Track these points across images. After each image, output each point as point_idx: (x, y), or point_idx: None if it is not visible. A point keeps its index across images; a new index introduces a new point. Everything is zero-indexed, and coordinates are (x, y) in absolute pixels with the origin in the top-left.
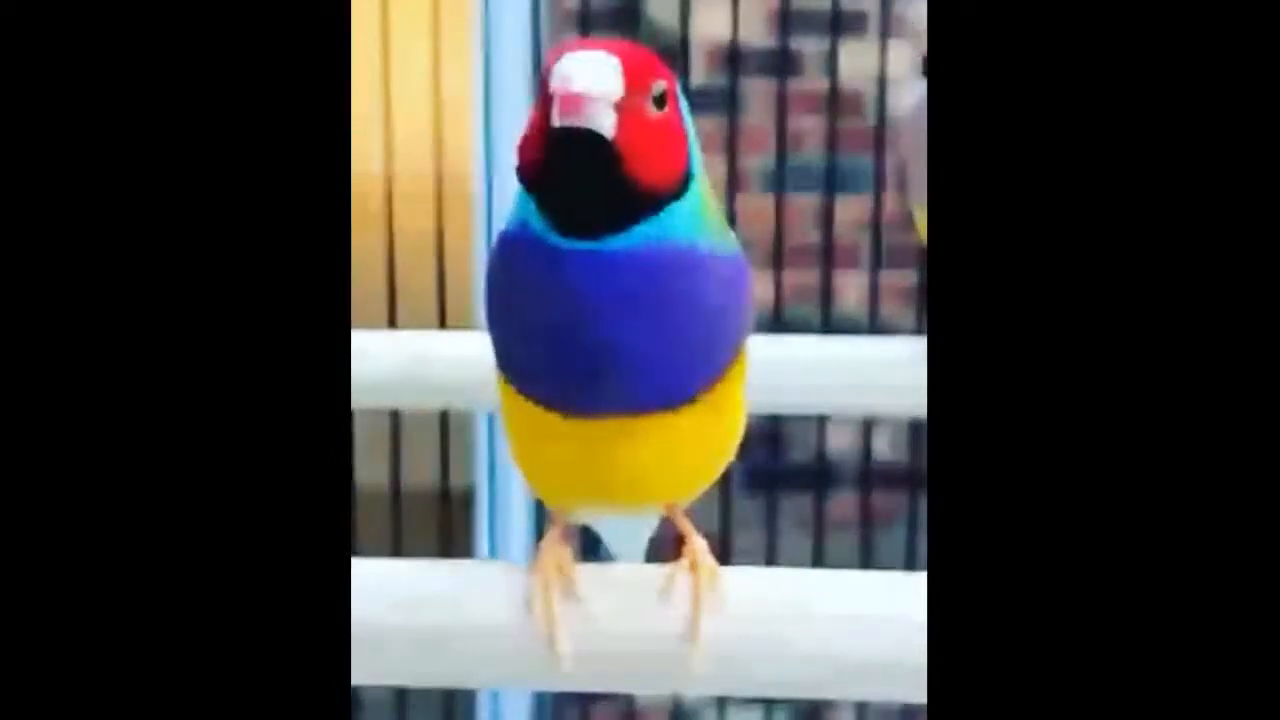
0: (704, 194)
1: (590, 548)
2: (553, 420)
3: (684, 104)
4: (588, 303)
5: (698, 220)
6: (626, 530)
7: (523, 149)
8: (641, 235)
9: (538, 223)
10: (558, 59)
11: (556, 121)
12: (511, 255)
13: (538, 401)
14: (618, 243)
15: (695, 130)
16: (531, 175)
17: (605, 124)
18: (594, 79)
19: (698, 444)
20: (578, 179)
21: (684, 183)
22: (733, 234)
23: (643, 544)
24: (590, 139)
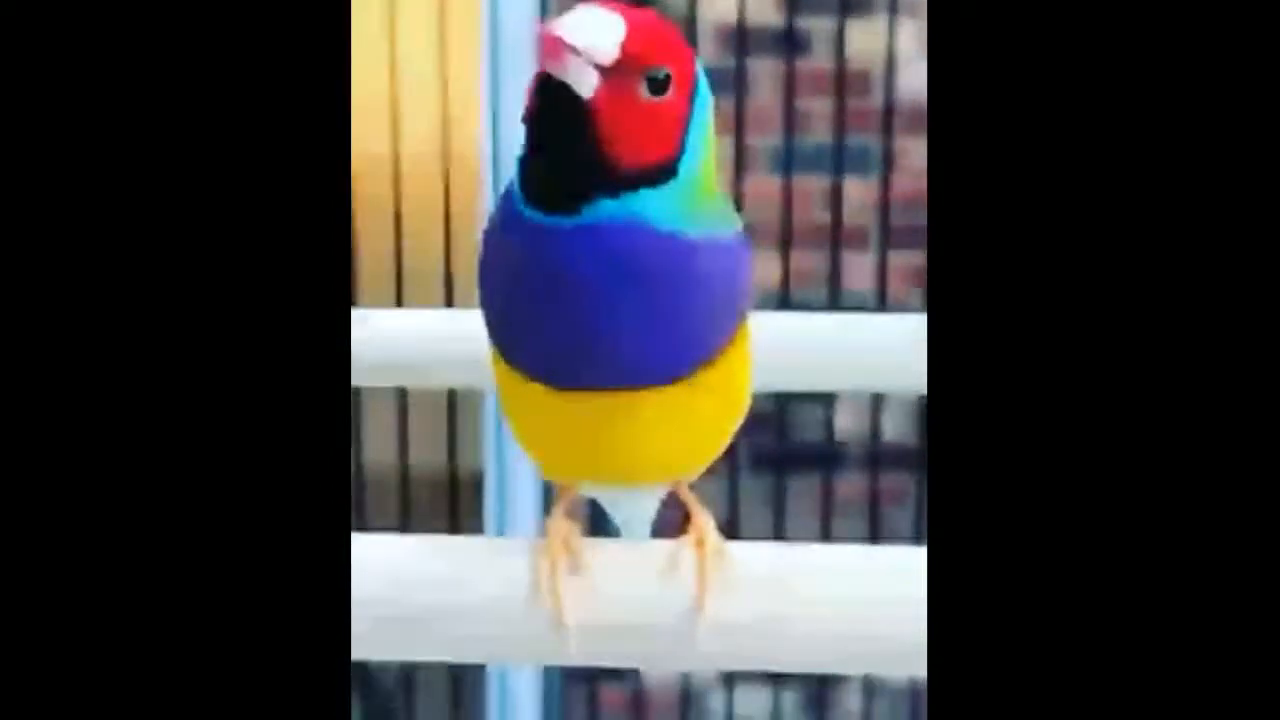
0: (697, 182)
1: (598, 523)
2: (543, 394)
3: (702, 91)
4: (557, 276)
5: (682, 208)
6: (631, 506)
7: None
8: (610, 212)
9: (518, 193)
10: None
11: (537, 66)
12: (496, 229)
13: (526, 375)
14: (586, 218)
15: (709, 117)
16: (525, 118)
17: (584, 82)
18: (586, 34)
19: (693, 422)
20: (546, 131)
21: (668, 171)
22: (736, 217)
23: (649, 519)
24: (565, 94)
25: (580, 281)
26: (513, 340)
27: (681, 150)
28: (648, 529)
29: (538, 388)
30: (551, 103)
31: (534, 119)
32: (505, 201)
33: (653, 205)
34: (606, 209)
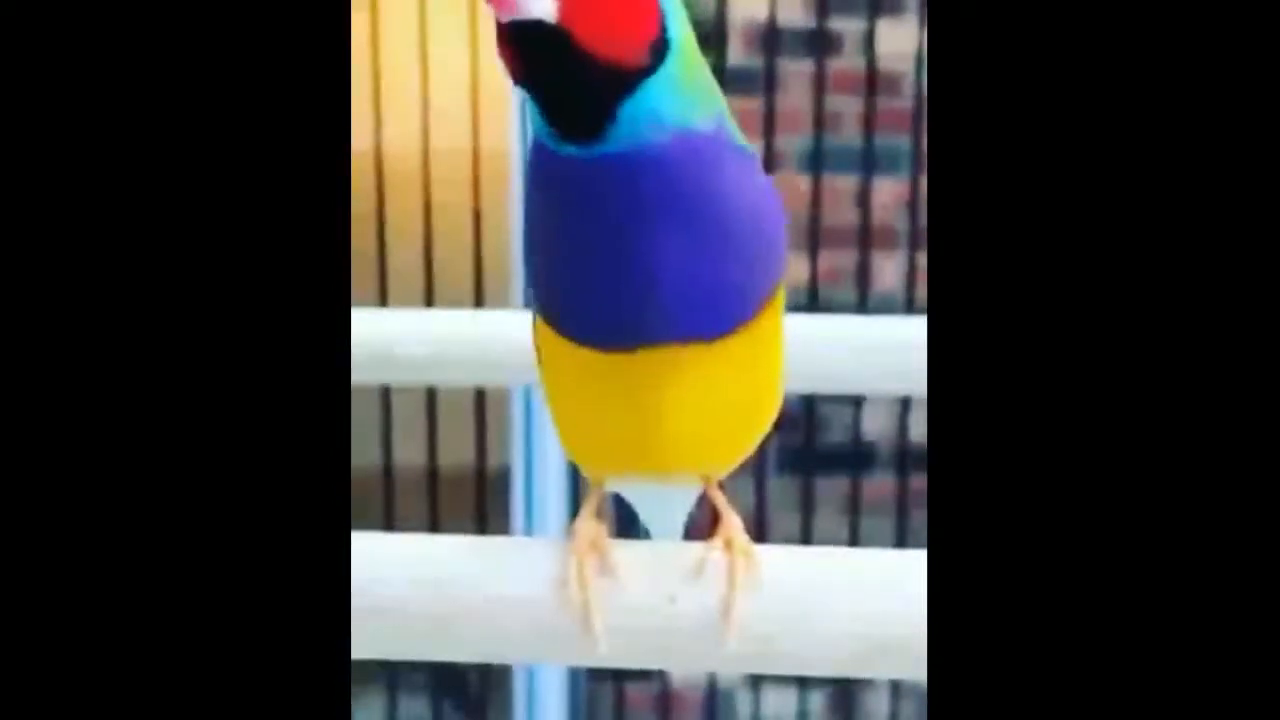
0: (690, 64)
1: (627, 525)
2: (590, 360)
3: None
4: (602, 210)
5: (686, 93)
6: (663, 505)
7: (499, 51)
8: (630, 123)
9: (543, 130)
10: None
11: (497, 18)
12: (533, 169)
13: (573, 337)
14: (614, 141)
15: (679, 11)
16: (512, 76)
17: (544, 9)
18: None
19: (738, 388)
20: (538, 71)
21: (659, 52)
22: (735, 125)
23: (680, 521)
24: (535, 28)
25: (628, 205)
26: (560, 292)
27: (664, 16)
28: (679, 531)
29: (586, 355)
30: (524, 42)
31: (515, 61)
32: (536, 142)
33: (665, 96)
34: (627, 120)
